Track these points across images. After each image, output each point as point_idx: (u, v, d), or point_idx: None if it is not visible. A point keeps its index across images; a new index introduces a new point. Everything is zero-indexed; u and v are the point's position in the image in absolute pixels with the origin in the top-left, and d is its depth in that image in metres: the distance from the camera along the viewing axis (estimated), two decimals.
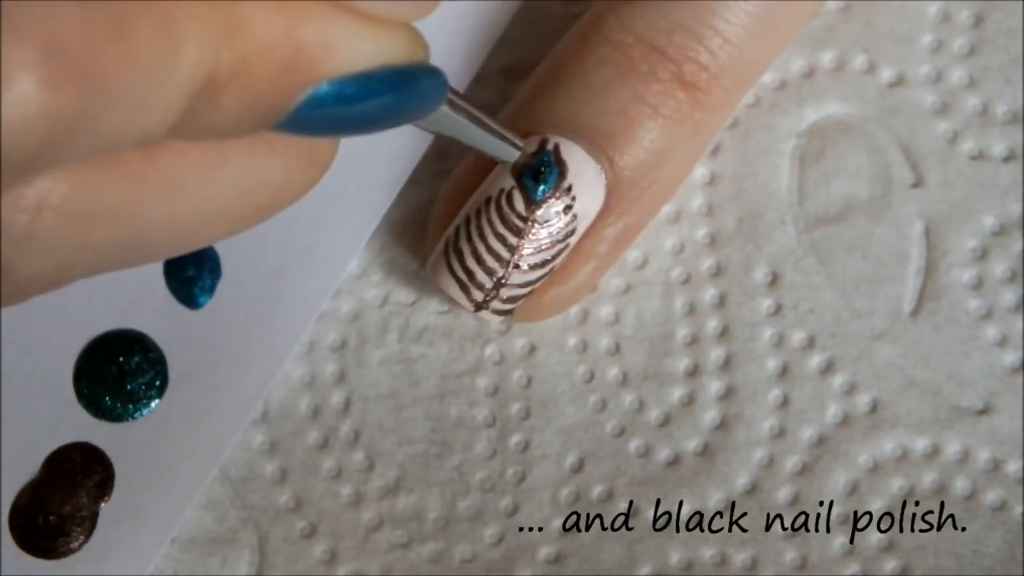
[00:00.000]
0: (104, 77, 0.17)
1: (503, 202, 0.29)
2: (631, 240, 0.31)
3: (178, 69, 0.17)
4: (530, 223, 0.29)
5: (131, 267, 0.21)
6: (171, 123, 0.18)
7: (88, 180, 0.19)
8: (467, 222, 0.29)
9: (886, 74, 0.32)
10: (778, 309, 0.32)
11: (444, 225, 0.30)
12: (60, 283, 0.20)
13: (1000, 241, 0.32)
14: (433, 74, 0.21)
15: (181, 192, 0.20)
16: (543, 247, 0.29)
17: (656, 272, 0.32)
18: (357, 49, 0.19)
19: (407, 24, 0.20)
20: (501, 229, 0.29)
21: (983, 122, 0.32)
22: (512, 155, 0.27)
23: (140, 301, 0.31)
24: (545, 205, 0.29)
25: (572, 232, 0.29)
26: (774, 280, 0.32)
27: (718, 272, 0.32)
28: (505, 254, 0.29)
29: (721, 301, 0.32)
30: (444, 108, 0.24)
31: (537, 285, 0.30)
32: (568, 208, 0.29)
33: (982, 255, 0.32)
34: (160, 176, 0.20)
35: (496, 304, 0.30)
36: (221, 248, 0.32)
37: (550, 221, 0.29)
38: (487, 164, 0.30)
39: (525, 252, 0.29)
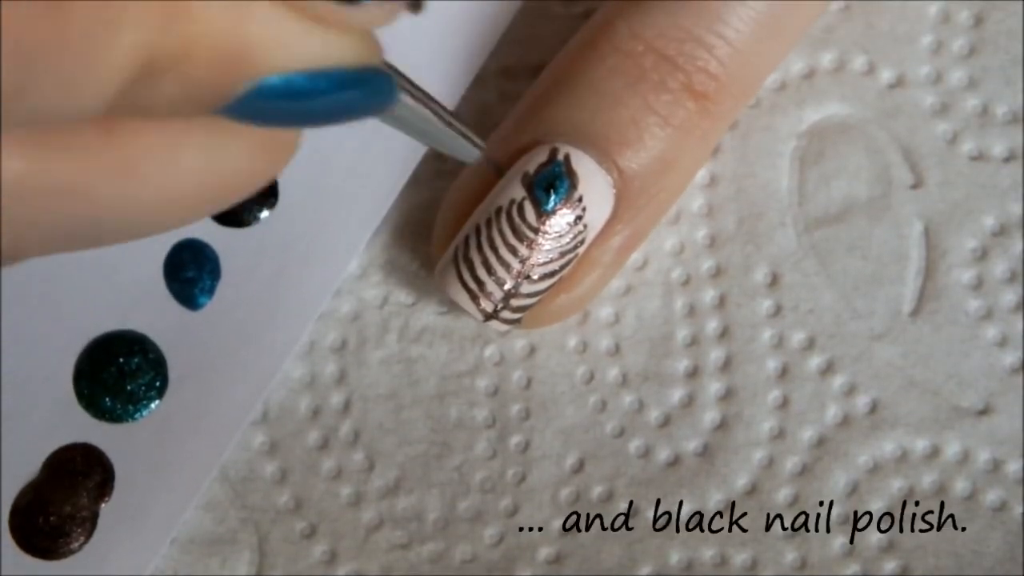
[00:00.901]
0: (38, 55, 0.17)
1: (514, 213, 0.29)
2: (636, 247, 0.31)
3: (114, 51, 0.17)
4: (541, 234, 0.29)
5: (86, 249, 0.21)
6: (106, 102, 0.18)
7: (43, 158, 0.19)
8: (477, 232, 0.29)
9: (886, 75, 0.32)
10: (778, 310, 0.32)
11: (451, 233, 0.30)
12: (10, 261, 0.20)
13: (1000, 241, 0.32)
14: (382, 78, 0.21)
15: (138, 173, 0.20)
16: (553, 257, 0.29)
17: (656, 273, 0.32)
18: (305, 49, 0.19)
19: (362, 30, 0.20)
20: (512, 240, 0.29)
21: (983, 123, 0.32)
22: (472, 155, 0.27)
23: (140, 302, 0.31)
24: (556, 216, 0.29)
25: (582, 242, 0.29)
26: (774, 281, 0.32)
27: (718, 273, 0.32)
28: (515, 264, 0.29)
29: (721, 302, 0.32)
30: (407, 104, 0.24)
31: (545, 294, 0.30)
32: (579, 219, 0.29)
33: (982, 255, 0.32)
34: (117, 155, 0.19)
35: (506, 314, 0.30)
36: (221, 249, 0.32)
37: (560, 232, 0.29)
38: (494, 172, 0.30)
39: (535, 262, 0.29)
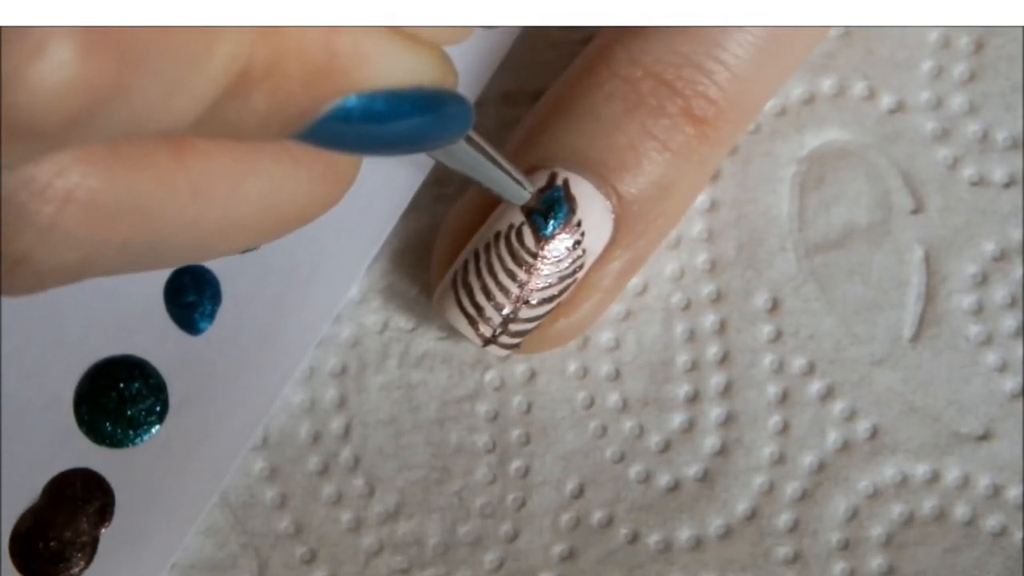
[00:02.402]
0: (141, 54, 0.17)
1: (512, 237, 0.29)
2: (635, 271, 0.31)
3: (213, 58, 0.18)
4: (539, 258, 0.29)
5: (150, 269, 0.21)
6: (199, 113, 0.18)
7: (117, 176, 0.19)
8: (475, 256, 0.29)
9: (886, 100, 0.32)
10: (778, 335, 0.32)
11: (450, 258, 0.30)
12: (78, 277, 0.20)
13: (1000, 267, 0.32)
14: (461, 102, 0.21)
15: (207, 197, 0.20)
16: (552, 282, 0.29)
17: (656, 298, 0.32)
18: (390, 65, 0.20)
19: (440, 48, 0.21)
20: (510, 264, 0.29)
21: (983, 148, 0.32)
22: (521, 197, 0.27)
23: (141, 327, 0.31)
24: (555, 240, 0.29)
25: (580, 267, 0.29)
26: (774, 306, 0.32)
27: (718, 298, 0.32)
28: (514, 289, 0.29)
29: (721, 327, 0.32)
30: (462, 142, 0.24)
31: (544, 319, 0.30)
32: (577, 243, 0.29)
33: (982, 281, 0.32)
34: (188, 179, 0.20)
35: (504, 339, 0.30)
36: (221, 274, 0.32)
37: (559, 256, 0.29)
38: (492, 196, 0.30)
39: (534, 287, 0.29)
